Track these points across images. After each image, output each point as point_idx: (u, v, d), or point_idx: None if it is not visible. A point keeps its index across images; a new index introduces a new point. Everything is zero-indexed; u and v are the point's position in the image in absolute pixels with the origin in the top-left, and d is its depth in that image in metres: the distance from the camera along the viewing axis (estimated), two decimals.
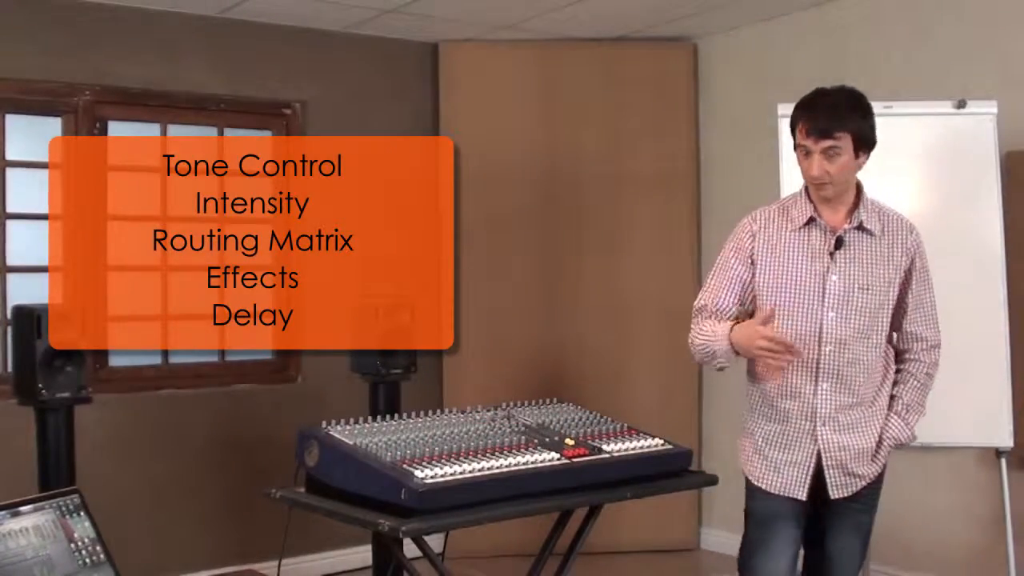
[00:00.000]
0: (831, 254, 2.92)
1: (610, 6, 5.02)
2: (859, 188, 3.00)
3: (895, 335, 3.05)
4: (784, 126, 4.17)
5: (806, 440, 2.94)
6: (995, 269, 3.94)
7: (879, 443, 2.96)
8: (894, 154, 4.12)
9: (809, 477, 2.93)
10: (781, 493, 2.97)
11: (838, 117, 2.87)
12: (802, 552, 3.08)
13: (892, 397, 3.01)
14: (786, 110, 4.15)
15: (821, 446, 2.92)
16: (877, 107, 4.10)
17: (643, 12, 5.17)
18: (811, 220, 2.97)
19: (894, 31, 4.78)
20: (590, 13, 5.07)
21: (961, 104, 4.07)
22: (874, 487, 3.01)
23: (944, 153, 4.09)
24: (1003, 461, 3.96)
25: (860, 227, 2.94)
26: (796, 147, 2.95)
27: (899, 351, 3.05)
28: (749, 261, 3.03)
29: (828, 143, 2.86)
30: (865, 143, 2.90)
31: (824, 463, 2.93)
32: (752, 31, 5.39)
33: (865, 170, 4.05)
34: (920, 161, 4.12)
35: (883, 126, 4.07)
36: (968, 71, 4.45)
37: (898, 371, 3.04)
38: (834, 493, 2.93)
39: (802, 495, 2.94)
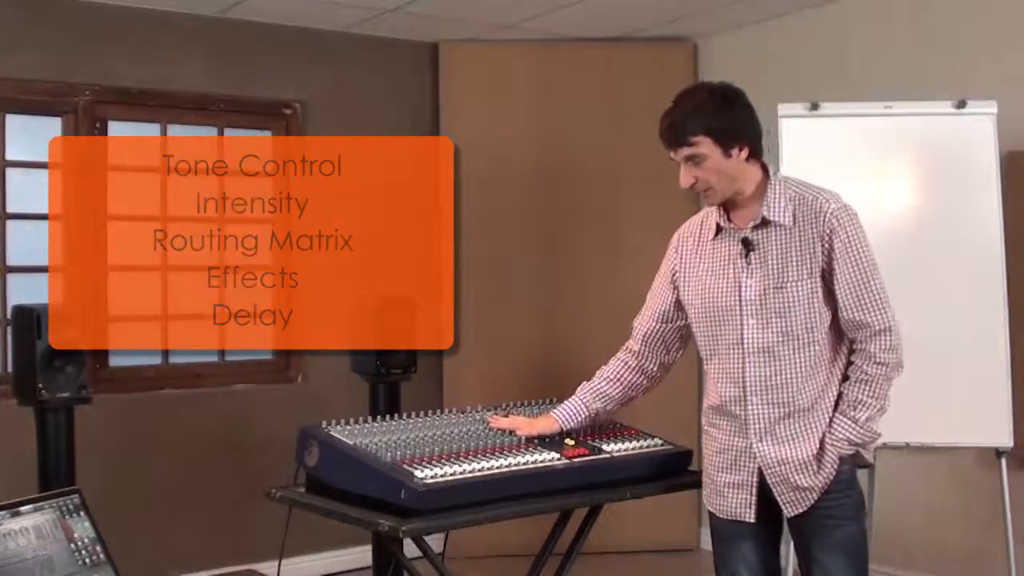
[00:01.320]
0: (744, 257, 2.76)
1: (610, 6, 5.02)
2: (766, 176, 2.78)
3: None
4: (785, 126, 4.20)
5: (745, 459, 2.79)
6: (995, 269, 3.94)
7: (822, 449, 2.72)
8: (894, 154, 4.14)
9: (754, 497, 2.78)
10: (728, 517, 2.84)
11: (683, 123, 2.69)
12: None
13: (840, 396, 2.76)
14: (786, 110, 4.19)
15: (761, 463, 2.76)
16: (877, 107, 4.14)
17: (643, 12, 5.17)
18: (719, 228, 2.82)
19: (894, 31, 4.78)
20: (590, 13, 5.07)
21: (961, 104, 4.07)
22: (838, 496, 2.75)
23: (944, 153, 4.08)
24: (1003, 461, 3.96)
25: (767, 222, 2.74)
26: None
27: (851, 342, 2.77)
28: (671, 284, 2.99)
29: (685, 151, 2.70)
30: (730, 137, 2.68)
31: (768, 480, 2.76)
32: (752, 31, 5.39)
33: (866, 171, 4.08)
34: (920, 161, 4.12)
35: (883, 126, 4.12)
36: (968, 71, 4.45)
37: (848, 366, 2.78)
38: (788, 511, 2.75)
39: (749, 517, 2.79)
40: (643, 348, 3.08)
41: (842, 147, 4.10)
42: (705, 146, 2.68)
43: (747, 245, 2.76)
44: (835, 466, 2.72)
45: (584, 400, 3.09)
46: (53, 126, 4.76)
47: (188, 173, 5.08)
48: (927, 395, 3.91)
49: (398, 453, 2.80)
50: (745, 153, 2.72)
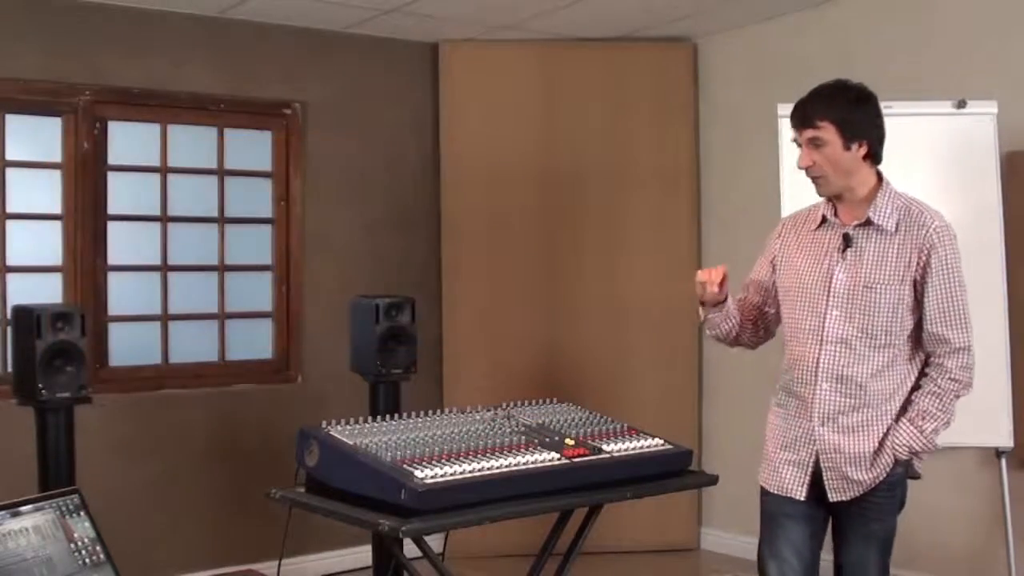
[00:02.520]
0: (842, 252, 2.88)
1: (610, 6, 5.02)
2: (880, 183, 2.92)
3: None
4: (784, 125, 4.19)
5: (805, 440, 2.90)
6: (995, 269, 3.94)
7: (880, 448, 2.84)
8: (894, 154, 4.12)
9: (808, 476, 2.89)
10: (779, 493, 2.94)
11: (817, 106, 2.86)
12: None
13: (910, 402, 2.87)
14: (786, 110, 4.15)
15: (819, 447, 2.87)
16: None
17: (643, 12, 5.17)
18: (824, 219, 2.95)
19: (894, 31, 4.78)
20: (590, 13, 5.07)
21: (961, 104, 4.07)
22: (885, 493, 2.87)
23: (944, 153, 4.08)
24: (1003, 461, 3.96)
25: (870, 223, 2.86)
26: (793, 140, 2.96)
27: (927, 355, 2.89)
28: (770, 265, 3.09)
29: (810, 132, 2.85)
30: (854, 133, 2.83)
31: (822, 464, 2.87)
32: (752, 31, 5.39)
33: None
34: (920, 161, 4.11)
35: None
36: (968, 71, 4.45)
37: (923, 376, 2.90)
38: (832, 496, 2.87)
39: (800, 495, 2.90)
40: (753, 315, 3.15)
41: None
42: (828, 132, 2.83)
43: (847, 241, 2.88)
44: (889, 467, 2.84)
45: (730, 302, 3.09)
46: (53, 126, 4.76)
47: (188, 173, 5.09)
48: None
49: (398, 453, 2.80)
50: (863, 151, 2.86)
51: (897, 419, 2.85)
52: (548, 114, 5.58)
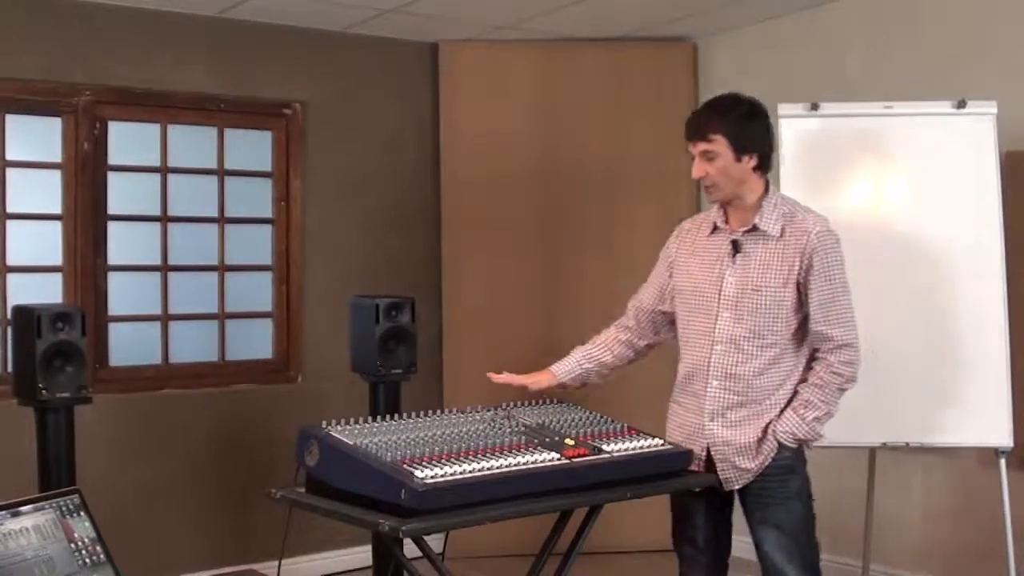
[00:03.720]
0: (731, 257, 3.06)
1: (610, 6, 5.02)
2: (766, 191, 3.08)
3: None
4: (784, 126, 4.19)
5: (698, 435, 3.11)
6: (995, 269, 3.93)
7: (764, 436, 3.03)
8: (894, 154, 4.14)
9: (702, 469, 3.10)
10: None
11: (708, 121, 3.02)
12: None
13: (794, 394, 3.06)
14: (786, 110, 4.19)
15: (709, 441, 3.09)
16: (876, 107, 4.14)
17: (643, 12, 5.17)
18: (715, 227, 3.13)
19: (894, 31, 4.78)
20: (590, 13, 5.07)
21: (961, 104, 4.06)
22: (776, 479, 3.04)
23: (944, 153, 4.08)
24: (1003, 461, 3.96)
25: (756, 230, 3.04)
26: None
27: (813, 352, 3.07)
28: (667, 267, 3.27)
29: (703, 146, 3.02)
30: (745, 146, 2.99)
31: (713, 456, 3.08)
32: (752, 31, 5.39)
33: (866, 171, 4.08)
34: (920, 161, 4.11)
35: (883, 126, 4.12)
36: (968, 71, 4.45)
37: (807, 370, 3.09)
38: (725, 485, 3.08)
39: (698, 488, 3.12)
40: (636, 325, 3.37)
41: (842, 147, 4.10)
42: (720, 146, 3.00)
43: (735, 247, 3.07)
44: (772, 454, 3.04)
45: (578, 360, 3.42)
46: (53, 126, 4.76)
47: (188, 173, 5.09)
48: (927, 395, 3.91)
49: (398, 453, 2.80)
50: (753, 162, 3.04)
51: (783, 410, 3.04)
52: (548, 114, 5.58)
